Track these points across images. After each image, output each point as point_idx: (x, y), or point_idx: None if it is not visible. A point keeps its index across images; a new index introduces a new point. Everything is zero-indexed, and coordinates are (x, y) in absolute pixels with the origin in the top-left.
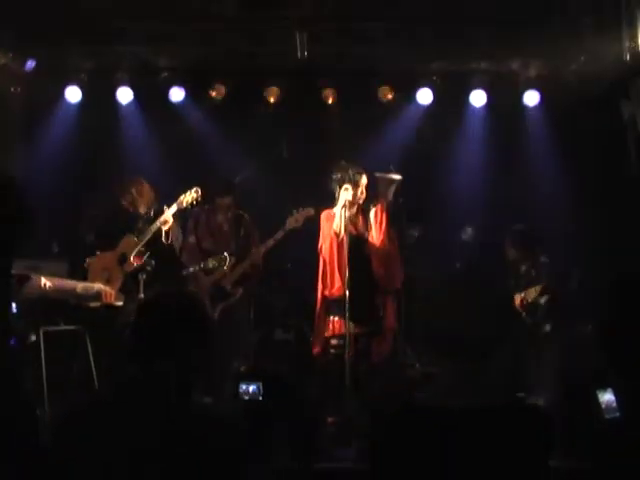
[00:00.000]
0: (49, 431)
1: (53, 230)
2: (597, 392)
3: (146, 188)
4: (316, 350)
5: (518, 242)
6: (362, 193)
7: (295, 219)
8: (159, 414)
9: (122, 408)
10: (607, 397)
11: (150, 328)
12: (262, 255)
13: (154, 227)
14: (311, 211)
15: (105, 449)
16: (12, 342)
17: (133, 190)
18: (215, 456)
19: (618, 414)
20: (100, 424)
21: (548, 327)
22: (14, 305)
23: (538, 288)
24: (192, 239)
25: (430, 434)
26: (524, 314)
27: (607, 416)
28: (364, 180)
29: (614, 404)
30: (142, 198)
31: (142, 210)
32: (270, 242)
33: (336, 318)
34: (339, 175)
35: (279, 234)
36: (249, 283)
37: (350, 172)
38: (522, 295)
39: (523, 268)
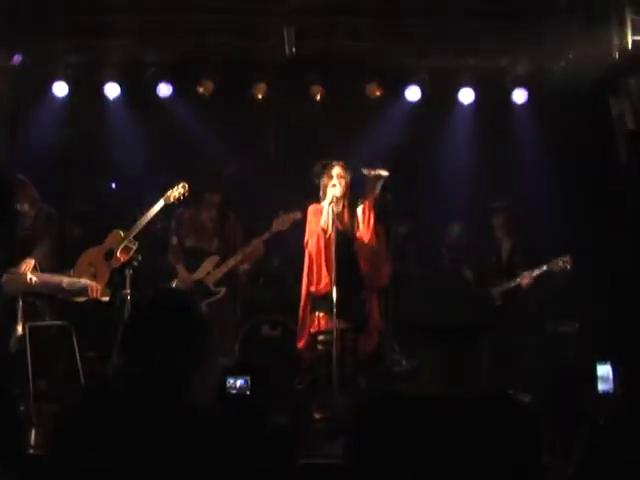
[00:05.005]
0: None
1: None
2: (597, 363)
3: (29, 187)
4: (300, 344)
5: (504, 220)
6: (342, 186)
7: (281, 221)
8: (148, 409)
9: (110, 404)
10: (605, 370)
11: (148, 326)
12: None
13: (142, 222)
14: (298, 214)
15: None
16: None
17: (19, 190)
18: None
19: (612, 389)
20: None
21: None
22: None
23: (567, 258)
24: (174, 240)
25: (411, 425)
26: (538, 292)
27: (600, 387)
28: (338, 171)
29: (610, 377)
30: (27, 197)
31: (29, 209)
32: (256, 241)
33: (321, 314)
34: (317, 170)
35: (265, 236)
36: (234, 281)
37: (327, 166)
38: (543, 268)
39: (513, 256)
